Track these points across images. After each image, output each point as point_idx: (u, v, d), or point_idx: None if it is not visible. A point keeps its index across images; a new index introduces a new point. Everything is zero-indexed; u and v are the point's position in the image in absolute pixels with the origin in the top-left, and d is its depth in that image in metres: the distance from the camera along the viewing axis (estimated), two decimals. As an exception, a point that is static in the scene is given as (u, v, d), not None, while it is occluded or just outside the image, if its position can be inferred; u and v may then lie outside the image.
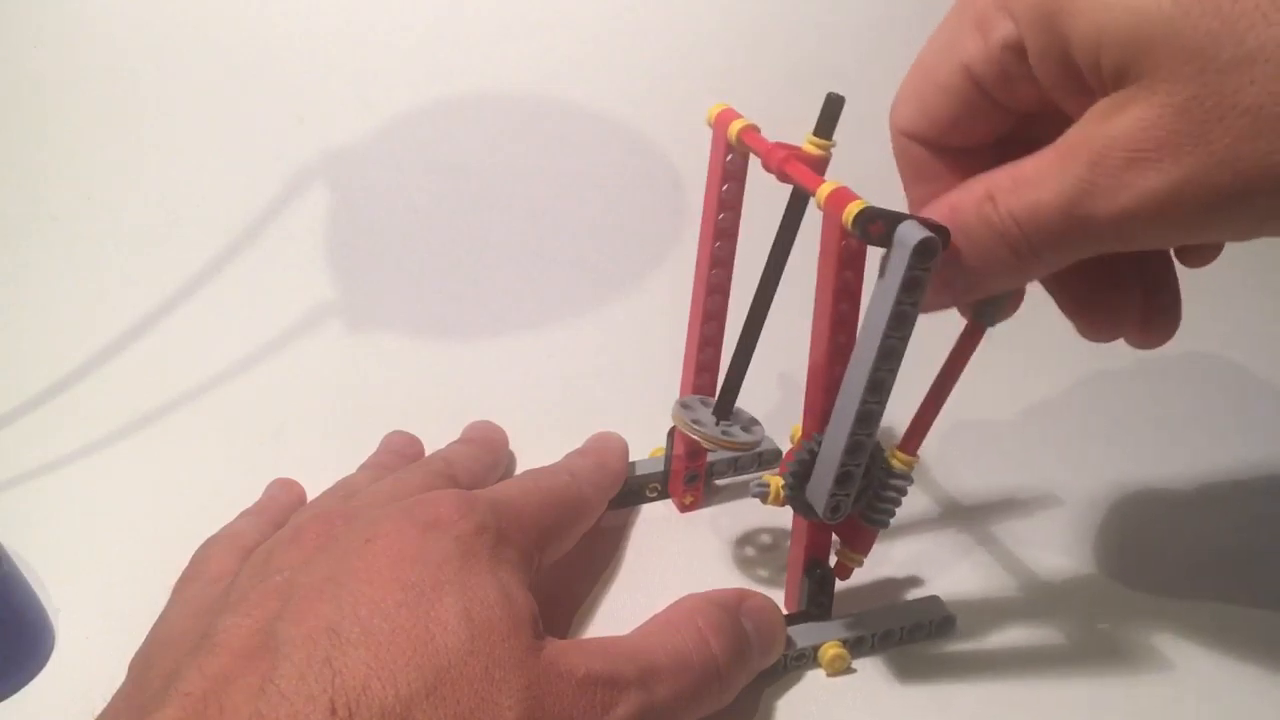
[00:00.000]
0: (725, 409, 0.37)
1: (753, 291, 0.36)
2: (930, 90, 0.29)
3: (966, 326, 0.32)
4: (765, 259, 0.35)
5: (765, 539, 0.41)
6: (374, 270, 0.55)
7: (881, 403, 0.30)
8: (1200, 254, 0.31)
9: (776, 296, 0.36)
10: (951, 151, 0.30)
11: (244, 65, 0.57)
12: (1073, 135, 0.26)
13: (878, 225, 0.28)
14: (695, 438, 0.37)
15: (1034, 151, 0.27)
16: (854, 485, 0.31)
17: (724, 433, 0.37)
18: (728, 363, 0.37)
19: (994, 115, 0.29)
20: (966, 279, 0.29)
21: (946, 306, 0.30)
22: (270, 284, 0.53)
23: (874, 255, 0.30)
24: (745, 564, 0.40)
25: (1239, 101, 0.23)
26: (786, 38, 0.61)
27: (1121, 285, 0.31)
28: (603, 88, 0.59)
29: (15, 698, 0.33)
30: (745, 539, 0.41)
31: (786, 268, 0.35)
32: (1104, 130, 0.25)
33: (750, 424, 0.38)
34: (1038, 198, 0.26)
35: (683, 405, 0.38)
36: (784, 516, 0.35)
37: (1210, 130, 0.23)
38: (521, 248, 0.56)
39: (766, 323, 0.36)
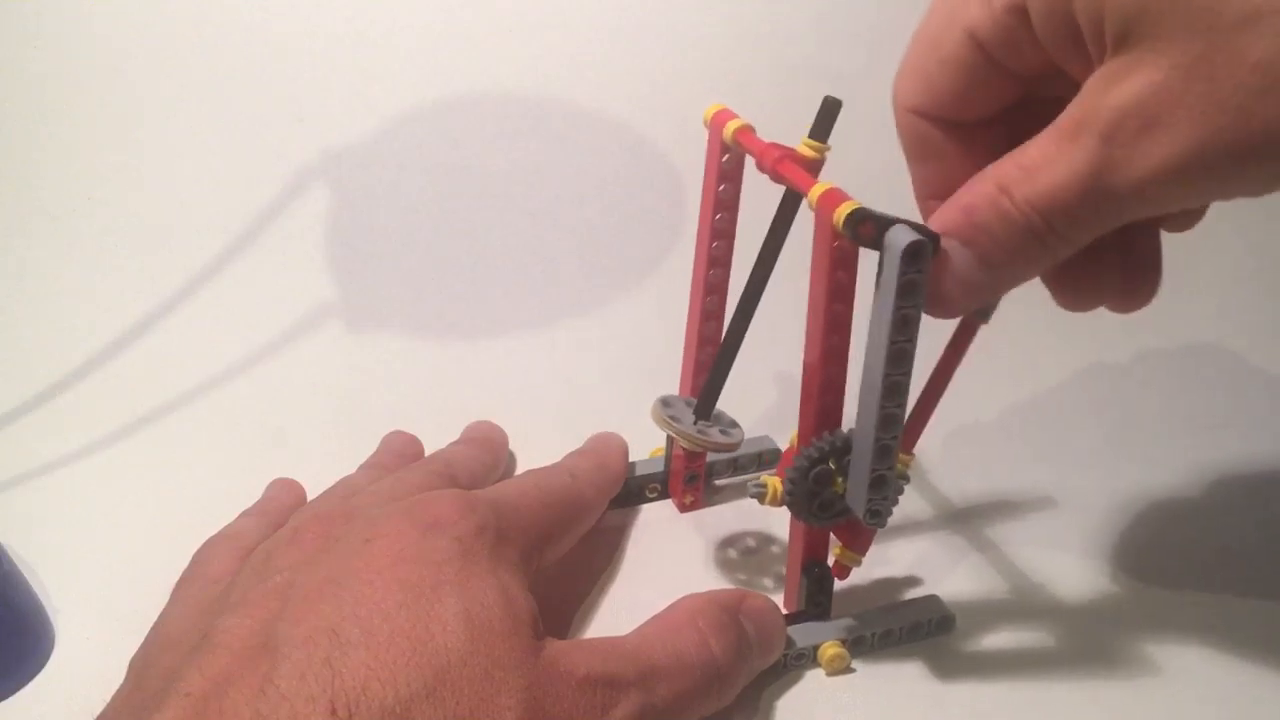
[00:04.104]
0: (705, 410, 0.37)
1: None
2: (935, 62, 0.29)
3: (960, 323, 0.32)
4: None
5: (765, 539, 0.41)
6: (374, 270, 0.55)
7: (901, 405, 0.30)
8: (1184, 219, 0.30)
9: (772, 297, 0.35)
10: (958, 126, 0.30)
11: (244, 65, 0.57)
12: (1077, 109, 0.25)
13: (868, 226, 0.28)
14: (670, 434, 0.36)
15: (1043, 121, 0.26)
16: (889, 488, 0.31)
17: (700, 432, 0.36)
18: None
19: (1001, 83, 0.29)
20: (994, 276, 0.28)
21: (980, 306, 0.29)
22: (270, 284, 0.53)
23: (869, 257, 0.30)
24: (745, 564, 0.40)
25: (1247, 58, 0.22)
26: (789, 39, 0.61)
27: (1101, 251, 0.30)
28: (603, 88, 0.59)
29: (15, 698, 0.33)
30: (745, 539, 0.41)
31: (782, 268, 0.35)
32: (1112, 100, 0.24)
33: (729, 426, 0.37)
34: (1054, 180, 0.26)
35: (664, 402, 0.37)
36: (783, 517, 0.35)
37: (1220, 89, 0.23)
38: (521, 248, 0.56)
39: (763, 324, 0.36)
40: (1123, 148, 0.24)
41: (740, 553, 0.40)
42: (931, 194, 0.31)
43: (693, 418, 0.37)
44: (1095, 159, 0.25)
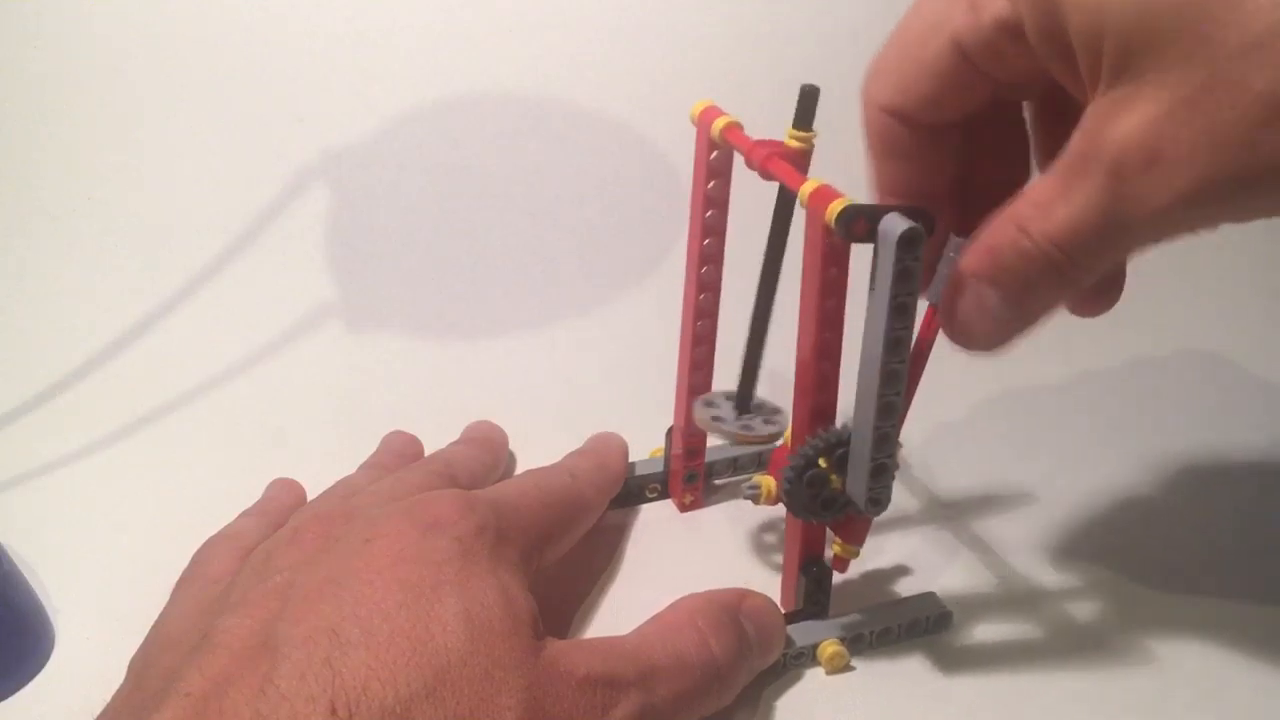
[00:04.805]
0: (744, 402, 0.38)
1: (743, 289, 0.36)
2: (913, 64, 0.29)
3: (929, 309, 0.32)
4: (757, 255, 0.36)
5: (764, 538, 0.41)
6: (374, 270, 0.55)
7: (899, 393, 0.30)
8: None
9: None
10: (925, 128, 0.30)
11: (244, 65, 0.57)
12: (1081, 142, 0.25)
13: (860, 223, 0.28)
14: (718, 435, 0.37)
15: (1005, 126, 0.26)
16: (889, 476, 0.31)
17: (744, 427, 0.37)
18: (724, 359, 0.38)
19: (977, 89, 0.29)
20: (1023, 311, 0.28)
21: (1014, 340, 0.30)
22: (270, 284, 0.53)
23: (860, 252, 0.30)
24: (744, 563, 0.40)
25: (1250, 88, 0.22)
26: (788, 39, 0.61)
27: None
28: (603, 88, 0.59)
29: (15, 698, 0.33)
30: (744, 538, 0.41)
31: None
32: (1115, 134, 0.24)
33: (772, 414, 0.38)
34: (1068, 215, 0.26)
35: (705, 403, 0.38)
36: (783, 515, 0.35)
37: (1223, 121, 0.23)
38: (521, 248, 0.56)
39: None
40: (1131, 182, 0.24)
41: (739, 551, 0.40)
42: (891, 191, 0.32)
43: (735, 413, 0.37)
44: (1105, 193, 0.25)
